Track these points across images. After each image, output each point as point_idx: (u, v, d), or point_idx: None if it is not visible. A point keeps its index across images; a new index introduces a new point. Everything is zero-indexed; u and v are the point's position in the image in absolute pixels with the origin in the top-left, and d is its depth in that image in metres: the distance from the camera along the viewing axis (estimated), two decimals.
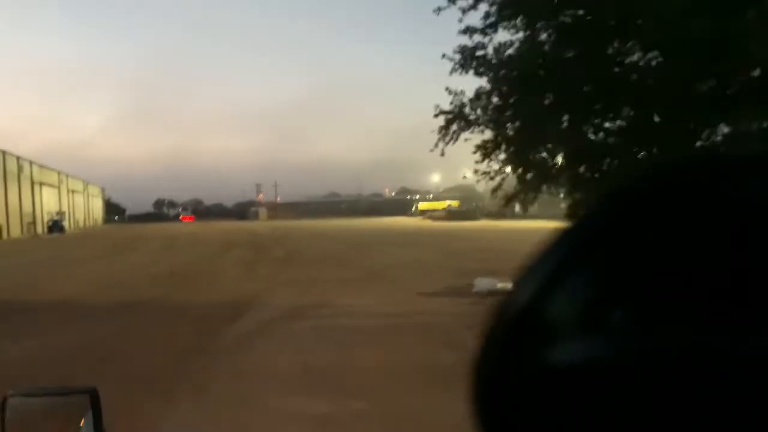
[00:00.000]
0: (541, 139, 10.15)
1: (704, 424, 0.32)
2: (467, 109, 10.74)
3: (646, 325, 0.34)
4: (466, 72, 10.43)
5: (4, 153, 43.50)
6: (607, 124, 10.10)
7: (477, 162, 10.85)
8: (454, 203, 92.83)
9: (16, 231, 44.31)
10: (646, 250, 0.35)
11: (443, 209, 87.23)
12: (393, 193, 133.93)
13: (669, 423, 0.33)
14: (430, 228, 46.40)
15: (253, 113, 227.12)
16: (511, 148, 10.59)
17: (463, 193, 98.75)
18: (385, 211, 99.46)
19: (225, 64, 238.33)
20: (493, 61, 10.25)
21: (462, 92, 10.74)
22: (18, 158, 47.10)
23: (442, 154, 11.19)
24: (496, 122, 10.56)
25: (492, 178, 10.96)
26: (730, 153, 0.36)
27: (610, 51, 9.34)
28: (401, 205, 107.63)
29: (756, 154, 0.35)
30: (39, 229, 50.03)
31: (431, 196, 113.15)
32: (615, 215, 0.37)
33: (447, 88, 10.71)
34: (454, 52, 10.42)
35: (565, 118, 9.78)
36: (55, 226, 50.70)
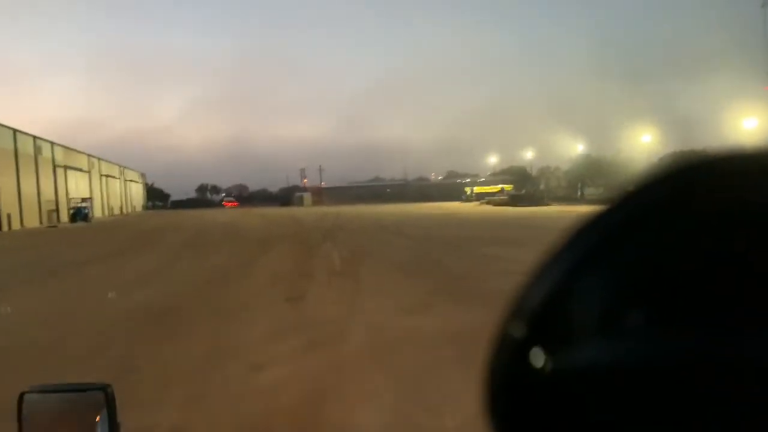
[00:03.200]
0: None
1: (725, 427, 0.31)
2: None
3: (665, 326, 0.33)
4: None
5: (15, 131, 38.28)
6: None
7: None
8: (507, 187, 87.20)
9: (32, 220, 39.33)
10: (667, 249, 0.34)
11: (498, 192, 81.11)
12: (440, 177, 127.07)
13: (689, 426, 0.32)
14: (501, 215, 39.69)
15: (316, 101, 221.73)
16: None
17: (515, 176, 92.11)
18: (433, 196, 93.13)
19: (296, 54, 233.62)
20: None
21: None
22: (35, 138, 42.07)
23: None
24: None
25: None
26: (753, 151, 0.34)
27: None
28: (450, 189, 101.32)
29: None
30: (63, 218, 45.21)
31: (482, 179, 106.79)
32: (634, 214, 0.35)
33: None
34: None
35: None
36: (78, 215, 45.50)
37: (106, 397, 0.91)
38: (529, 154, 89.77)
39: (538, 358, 0.35)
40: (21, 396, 0.90)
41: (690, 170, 0.35)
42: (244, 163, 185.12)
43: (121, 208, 71.64)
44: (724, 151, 0.34)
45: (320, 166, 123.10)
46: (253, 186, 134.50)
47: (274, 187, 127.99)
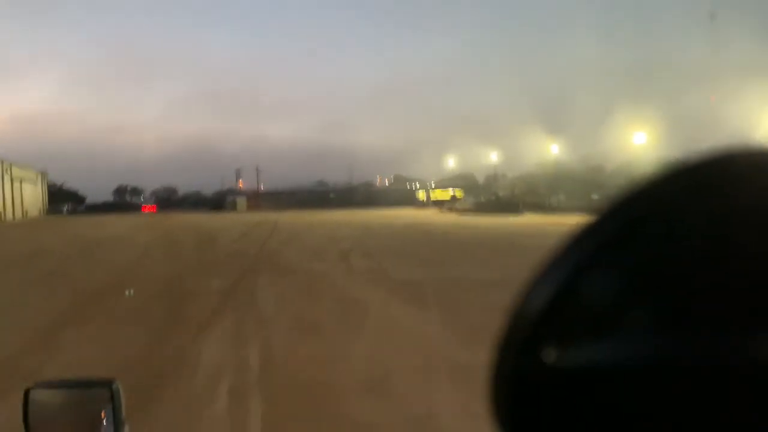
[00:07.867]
0: None
1: (727, 426, 0.31)
2: None
3: (668, 326, 0.33)
4: None
5: None
6: None
7: None
8: (458, 192, 79.64)
9: None
10: (670, 249, 0.34)
11: (449, 199, 73.41)
12: (386, 182, 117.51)
13: (691, 425, 0.32)
14: (488, 228, 29.59)
15: (258, 102, 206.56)
16: None
17: (465, 182, 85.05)
18: (381, 201, 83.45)
19: (240, 55, 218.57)
20: None
21: None
22: None
23: None
24: None
25: None
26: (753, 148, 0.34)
27: None
28: (399, 195, 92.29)
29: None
30: None
31: (433, 184, 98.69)
32: (638, 213, 0.35)
33: None
34: None
35: None
36: None
37: (111, 393, 0.90)
38: (493, 157, 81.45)
39: (543, 357, 0.35)
40: (27, 392, 0.89)
41: (695, 170, 0.35)
42: (178, 163, 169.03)
43: (3, 215, 57.52)
44: (727, 151, 0.34)
45: (257, 167, 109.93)
46: (187, 188, 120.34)
47: (209, 190, 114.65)
